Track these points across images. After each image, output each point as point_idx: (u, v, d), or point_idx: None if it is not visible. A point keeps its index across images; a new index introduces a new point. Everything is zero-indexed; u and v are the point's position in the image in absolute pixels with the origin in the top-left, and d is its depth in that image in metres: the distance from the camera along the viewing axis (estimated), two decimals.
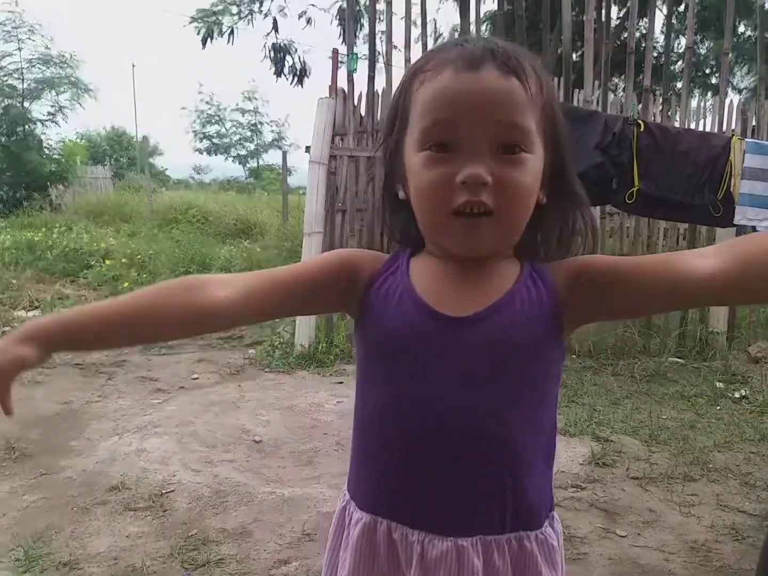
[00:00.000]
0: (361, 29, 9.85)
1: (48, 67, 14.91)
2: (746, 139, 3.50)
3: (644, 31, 5.11)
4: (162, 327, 0.80)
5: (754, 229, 3.32)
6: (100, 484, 2.76)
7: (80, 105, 15.49)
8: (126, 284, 6.88)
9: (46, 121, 15.09)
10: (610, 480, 2.85)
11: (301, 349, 4.73)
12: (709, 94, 10.08)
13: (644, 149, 3.26)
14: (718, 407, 3.87)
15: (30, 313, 6.16)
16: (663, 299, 0.77)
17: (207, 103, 23.00)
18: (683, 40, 6.67)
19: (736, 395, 4.06)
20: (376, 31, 5.57)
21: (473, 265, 0.80)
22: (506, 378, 0.77)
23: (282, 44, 11.29)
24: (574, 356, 4.69)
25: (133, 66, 22.17)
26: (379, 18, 6.44)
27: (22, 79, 14.58)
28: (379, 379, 0.82)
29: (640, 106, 5.00)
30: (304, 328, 4.80)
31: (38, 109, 15.03)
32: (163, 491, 2.69)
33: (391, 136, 0.84)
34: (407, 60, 4.98)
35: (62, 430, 3.39)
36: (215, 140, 23.75)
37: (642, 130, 3.28)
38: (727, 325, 4.94)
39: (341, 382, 4.26)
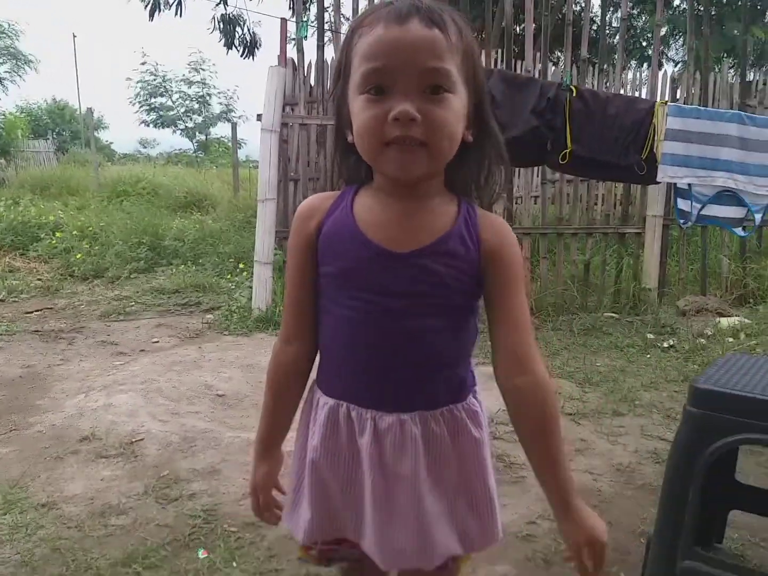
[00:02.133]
0: (311, 1, 9.84)
1: None
2: (669, 104, 3.79)
3: (583, 5, 5.33)
4: (302, 392, 1.13)
5: (675, 186, 3.62)
6: (70, 436, 2.89)
7: (20, 77, 14.97)
8: (79, 255, 6.86)
9: None
10: None
11: (259, 313, 4.88)
12: (645, 65, 10.47)
13: (576, 113, 3.51)
14: (648, 355, 4.21)
15: None
16: (489, 325, 1.02)
17: (152, 74, 22.36)
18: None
19: (665, 345, 4.41)
20: (325, 3, 5.65)
21: (413, 199, 0.97)
22: (434, 302, 0.97)
23: (231, 16, 11.16)
24: None
25: (74, 36, 21.35)
26: None
27: None
28: (338, 301, 1.00)
29: (578, 76, 5.25)
30: (262, 293, 4.95)
31: None
32: (133, 440, 2.84)
33: (336, 87, 0.98)
34: None
35: (27, 391, 3.48)
36: (161, 112, 23.17)
37: (574, 95, 3.52)
38: (658, 281, 5.31)
39: None
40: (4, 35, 14.47)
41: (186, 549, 2.10)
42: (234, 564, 2.02)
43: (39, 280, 6.38)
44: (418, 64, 0.86)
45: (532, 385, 0.97)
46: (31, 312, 5.30)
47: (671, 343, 4.43)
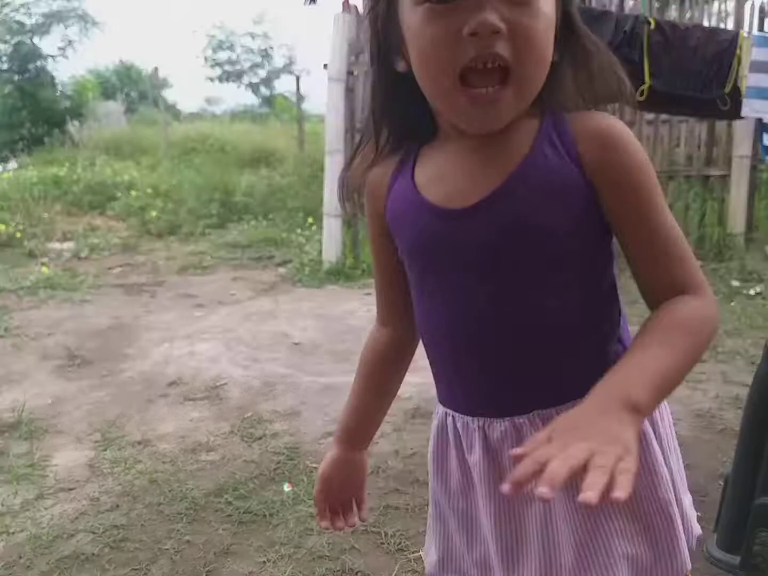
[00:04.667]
0: None
1: (55, 0, 14.72)
2: (753, 33, 3.54)
3: None
4: (397, 383, 0.97)
5: (760, 121, 3.41)
6: (159, 381, 3.06)
7: (88, 39, 15.32)
8: (154, 213, 7.11)
9: (57, 56, 15.00)
10: None
11: (329, 266, 4.96)
12: None
13: (654, 46, 3.32)
14: (733, 303, 4.06)
15: (64, 245, 6.44)
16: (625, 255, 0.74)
17: (218, 27, 22.46)
18: None
19: (751, 292, 4.24)
20: None
21: (487, 139, 0.72)
22: (536, 260, 0.72)
23: None
24: None
25: None
26: None
27: (30, 14, 14.42)
28: (418, 287, 0.82)
29: (658, 8, 4.96)
30: (331, 246, 5.02)
31: (47, 44, 14.94)
32: (217, 384, 2.99)
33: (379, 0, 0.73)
34: None
35: (117, 340, 3.69)
36: (226, 67, 23.35)
37: (653, 27, 3.34)
38: (745, 226, 5.06)
39: (369, 294, 4.50)
40: None
41: (272, 483, 2.21)
42: None
43: (118, 237, 6.67)
44: None
45: (699, 302, 0.70)
46: (113, 268, 5.57)
47: (758, 290, 4.25)
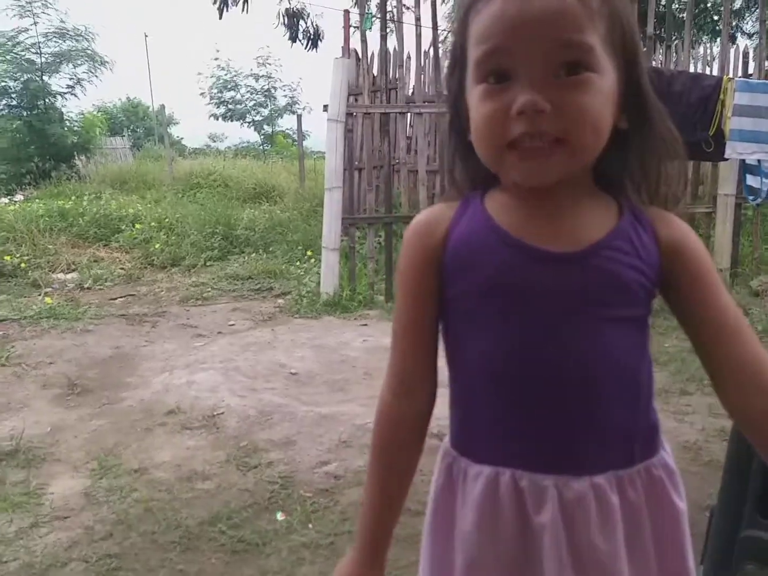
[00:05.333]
0: None
1: (64, 41, 15.06)
2: (736, 79, 3.69)
3: None
4: (415, 464, 0.85)
5: (743, 162, 3.54)
6: (157, 410, 3.12)
7: (97, 77, 15.69)
8: (157, 245, 7.23)
9: (65, 93, 15.35)
10: None
11: (327, 297, 5.05)
12: (718, 40, 10.03)
13: None
14: None
15: (68, 275, 6.54)
16: (694, 339, 0.78)
17: (222, 68, 23.06)
18: None
19: None
20: None
21: (556, 196, 0.75)
22: (616, 312, 0.75)
23: (295, 9, 11.39)
24: None
25: (146, 36, 22.25)
26: None
27: (40, 53, 14.76)
28: (482, 327, 0.77)
29: (645, 53, 5.14)
30: (329, 278, 5.12)
31: (56, 82, 15.29)
32: (215, 413, 3.05)
33: (452, 78, 0.80)
34: (417, 18, 5.16)
35: (117, 369, 3.76)
36: (231, 106, 23.87)
37: None
38: (730, 261, 5.17)
39: (365, 325, 4.59)
40: (82, 38, 15.16)
41: (266, 511, 2.26)
42: (310, 526, 2.17)
43: (121, 268, 6.77)
44: (547, 39, 0.68)
45: None
46: (116, 298, 5.65)
47: None
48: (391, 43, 5.60)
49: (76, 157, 14.06)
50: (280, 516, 2.24)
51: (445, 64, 7.85)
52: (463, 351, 0.79)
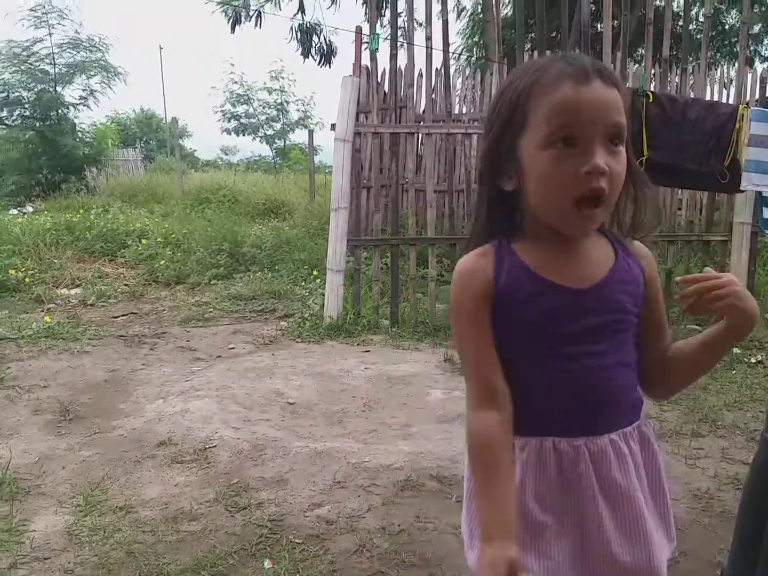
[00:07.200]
0: (385, 8, 9.91)
1: (78, 52, 15.20)
2: (752, 108, 3.58)
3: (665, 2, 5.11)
4: (514, 461, 1.04)
5: (760, 194, 3.41)
6: (148, 441, 3.02)
7: (110, 88, 15.78)
8: (162, 262, 7.17)
9: (78, 105, 15.44)
10: None
11: (330, 321, 4.95)
12: (735, 64, 9.92)
13: (653, 119, 3.37)
14: (734, 371, 3.99)
15: (72, 291, 6.50)
16: (646, 336, 1.10)
17: (236, 83, 23.13)
18: None
19: (753, 360, 4.17)
20: (398, 10, 5.66)
21: (573, 242, 1.02)
22: (619, 332, 1.04)
23: (308, 25, 11.40)
24: None
25: (161, 48, 22.39)
26: None
27: (54, 64, 14.88)
28: (532, 353, 1.03)
29: (660, 75, 5.04)
30: (333, 301, 5.02)
31: (70, 93, 15.39)
32: (207, 446, 2.94)
33: (501, 137, 1.00)
34: (428, 37, 5.09)
35: (111, 394, 3.67)
36: (243, 120, 23.92)
37: (651, 100, 3.39)
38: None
39: (368, 351, 4.48)
40: (96, 49, 15.28)
41: (252, 558, 2.15)
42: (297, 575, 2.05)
43: (126, 285, 6.72)
44: (604, 120, 0.93)
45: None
46: (118, 316, 5.59)
47: (759, 358, 4.18)
48: (402, 60, 5.52)
49: (87, 169, 14.09)
50: (267, 564, 2.13)
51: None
52: (523, 365, 1.04)
